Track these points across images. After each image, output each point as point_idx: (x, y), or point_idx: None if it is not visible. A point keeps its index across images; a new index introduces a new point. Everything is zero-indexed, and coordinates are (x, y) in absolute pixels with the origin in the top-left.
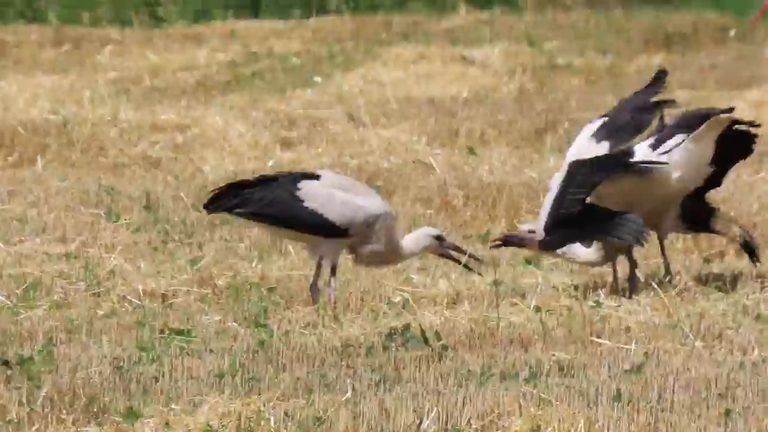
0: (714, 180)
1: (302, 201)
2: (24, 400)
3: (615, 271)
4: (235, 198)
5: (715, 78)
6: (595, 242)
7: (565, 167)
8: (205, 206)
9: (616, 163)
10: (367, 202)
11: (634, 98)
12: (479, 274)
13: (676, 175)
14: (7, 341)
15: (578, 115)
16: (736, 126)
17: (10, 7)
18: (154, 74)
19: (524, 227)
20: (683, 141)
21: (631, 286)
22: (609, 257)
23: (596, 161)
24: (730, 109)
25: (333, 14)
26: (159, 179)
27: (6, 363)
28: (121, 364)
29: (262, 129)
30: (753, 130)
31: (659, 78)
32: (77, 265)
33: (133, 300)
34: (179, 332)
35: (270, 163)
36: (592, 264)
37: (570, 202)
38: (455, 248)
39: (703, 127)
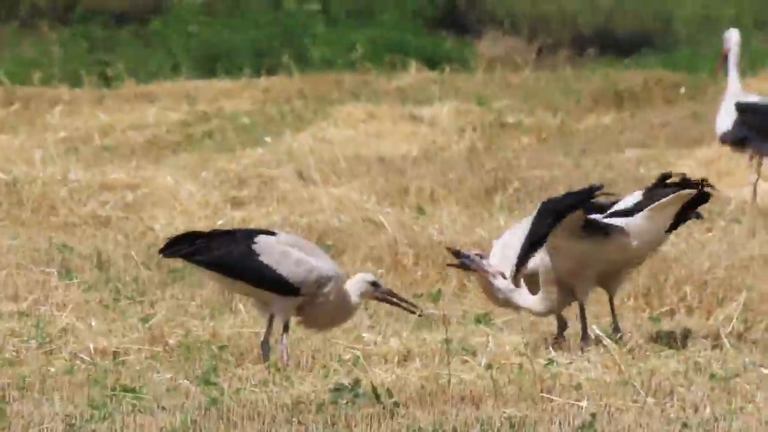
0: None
1: (258, 255)
2: None
3: (562, 321)
4: (192, 246)
5: (666, 136)
6: (542, 290)
7: (506, 234)
8: (161, 251)
9: (588, 195)
10: (320, 263)
11: None
12: (419, 315)
13: (635, 242)
14: None
15: (528, 174)
16: (701, 188)
17: None
18: (104, 133)
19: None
20: (644, 209)
21: (583, 340)
22: (556, 307)
23: (566, 194)
24: (698, 184)
25: (283, 74)
26: (110, 238)
27: None
28: (74, 421)
29: (212, 188)
30: (709, 191)
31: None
32: (29, 323)
33: (85, 358)
34: (131, 390)
35: (220, 222)
36: (538, 313)
37: (540, 236)
38: (390, 294)
39: (667, 198)
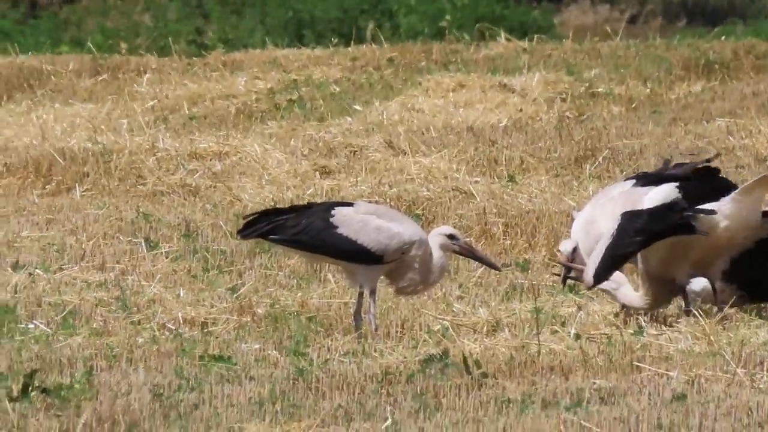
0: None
1: (336, 227)
2: (64, 428)
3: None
4: (269, 224)
5: (756, 105)
6: (641, 286)
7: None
8: (239, 232)
9: (671, 218)
10: (402, 228)
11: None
12: (498, 270)
13: (723, 224)
14: (47, 369)
15: (618, 143)
16: None
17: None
18: (192, 102)
19: (566, 247)
20: (732, 192)
21: (686, 313)
22: (656, 304)
23: (651, 214)
24: None
25: (372, 42)
26: (198, 207)
27: (45, 391)
28: (161, 391)
29: (301, 157)
30: None
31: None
32: (116, 293)
33: (173, 328)
34: (219, 359)
35: (309, 191)
36: (641, 309)
37: (622, 257)
38: (471, 248)
39: (753, 181)
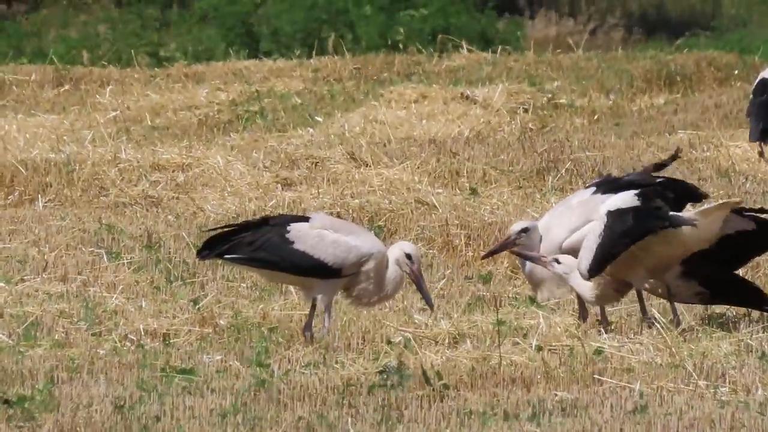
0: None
1: (293, 243)
2: None
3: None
4: (226, 244)
5: (718, 117)
6: (594, 280)
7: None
8: (198, 254)
9: (651, 224)
10: (360, 242)
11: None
12: (431, 309)
13: (679, 238)
14: (8, 380)
15: (580, 155)
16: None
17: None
18: (155, 113)
19: (515, 227)
20: (691, 210)
21: (644, 320)
22: (602, 300)
23: (636, 215)
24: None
25: (333, 54)
26: (160, 218)
27: (7, 402)
28: (123, 403)
29: (263, 169)
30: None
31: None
32: (78, 304)
33: (135, 339)
34: (181, 371)
35: (271, 203)
36: (586, 299)
37: (612, 254)
38: (418, 277)
39: (713, 206)
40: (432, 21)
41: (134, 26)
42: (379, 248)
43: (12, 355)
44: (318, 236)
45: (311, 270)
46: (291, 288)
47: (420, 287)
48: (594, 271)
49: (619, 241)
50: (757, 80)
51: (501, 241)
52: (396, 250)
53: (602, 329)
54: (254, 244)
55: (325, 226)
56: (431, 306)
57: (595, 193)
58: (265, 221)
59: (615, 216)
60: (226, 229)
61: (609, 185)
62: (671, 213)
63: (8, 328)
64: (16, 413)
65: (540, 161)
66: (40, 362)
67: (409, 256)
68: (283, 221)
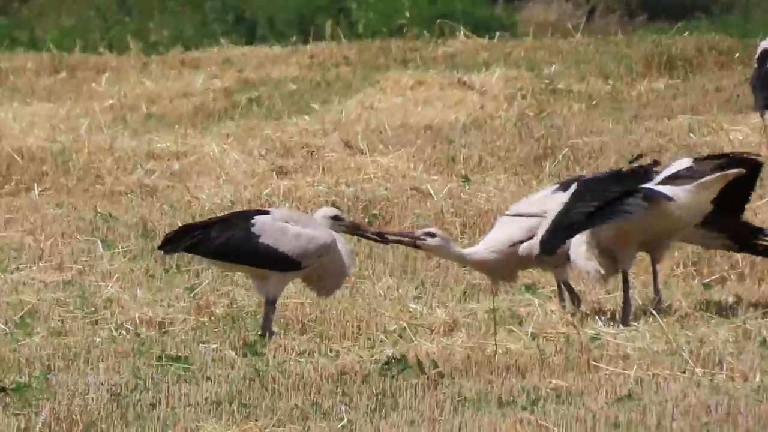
0: (735, 208)
1: (258, 236)
2: (22, 426)
3: (568, 290)
4: (192, 239)
5: (719, 102)
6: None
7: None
8: (161, 247)
9: (634, 181)
10: (317, 232)
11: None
12: (386, 242)
13: (678, 213)
14: (5, 368)
15: (578, 140)
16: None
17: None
18: (150, 102)
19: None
20: (690, 184)
21: (625, 310)
22: (609, 271)
23: (613, 176)
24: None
25: (329, 40)
26: (155, 207)
27: (4, 390)
28: (119, 391)
29: (258, 157)
30: (759, 159)
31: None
32: (74, 292)
33: (130, 328)
34: (176, 359)
35: (266, 191)
36: (589, 273)
37: (575, 214)
38: (356, 226)
39: (712, 177)
40: (430, 6)
41: (124, 12)
42: (331, 236)
43: (8, 343)
44: (281, 229)
45: (275, 262)
46: None
47: (363, 234)
48: (547, 243)
49: (581, 211)
50: (759, 51)
51: (407, 234)
52: (326, 220)
53: (598, 318)
54: (219, 238)
55: (285, 219)
56: (386, 240)
57: (556, 191)
58: (228, 217)
59: (585, 181)
60: (188, 225)
61: (573, 182)
62: (647, 187)
63: (4, 317)
64: (13, 401)
65: (537, 147)
66: (36, 350)
67: (336, 217)
68: (246, 215)
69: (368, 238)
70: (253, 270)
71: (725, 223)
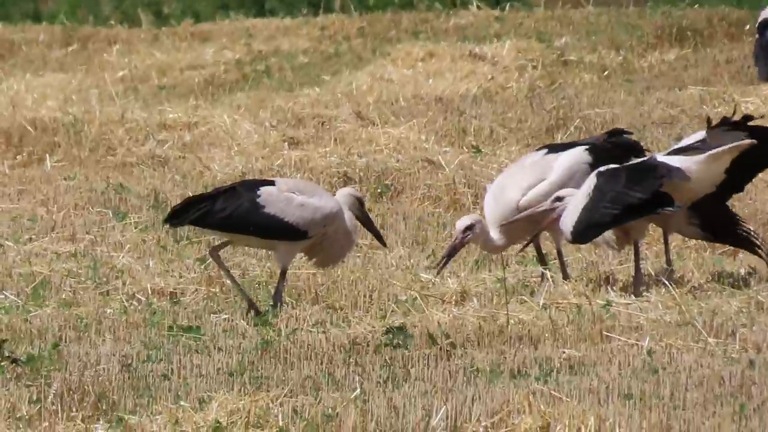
0: (736, 186)
1: (263, 207)
2: (34, 397)
3: (559, 260)
4: (197, 211)
5: (730, 73)
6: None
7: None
8: (166, 221)
9: (652, 183)
10: (323, 202)
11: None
12: (384, 245)
13: (689, 184)
14: (17, 339)
15: (590, 112)
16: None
17: (18, 7)
18: (162, 73)
19: (461, 223)
20: (702, 154)
21: (637, 279)
22: (621, 241)
23: (629, 175)
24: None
25: (341, 12)
26: (167, 178)
27: (15, 361)
28: (130, 361)
29: (270, 128)
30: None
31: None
32: (85, 263)
33: (142, 298)
34: (188, 330)
35: (277, 162)
36: (602, 243)
37: (602, 215)
38: (368, 218)
39: (724, 148)
40: None
41: None
42: (337, 204)
43: (20, 314)
44: (286, 199)
45: (282, 232)
46: None
47: (371, 228)
48: (579, 235)
49: (607, 212)
50: (759, 20)
51: (450, 244)
52: (348, 198)
53: (610, 289)
54: (226, 210)
55: (290, 189)
56: (384, 243)
57: (546, 154)
58: (233, 188)
59: (605, 177)
60: (194, 197)
61: (559, 147)
62: (664, 164)
63: (16, 288)
64: (25, 372)
65: (549, 119)
66: (48, 321)
67: (360, 200)
68: (252, 185)
69: (374, 233)
70: (260, 241)
71: (704, 213)
